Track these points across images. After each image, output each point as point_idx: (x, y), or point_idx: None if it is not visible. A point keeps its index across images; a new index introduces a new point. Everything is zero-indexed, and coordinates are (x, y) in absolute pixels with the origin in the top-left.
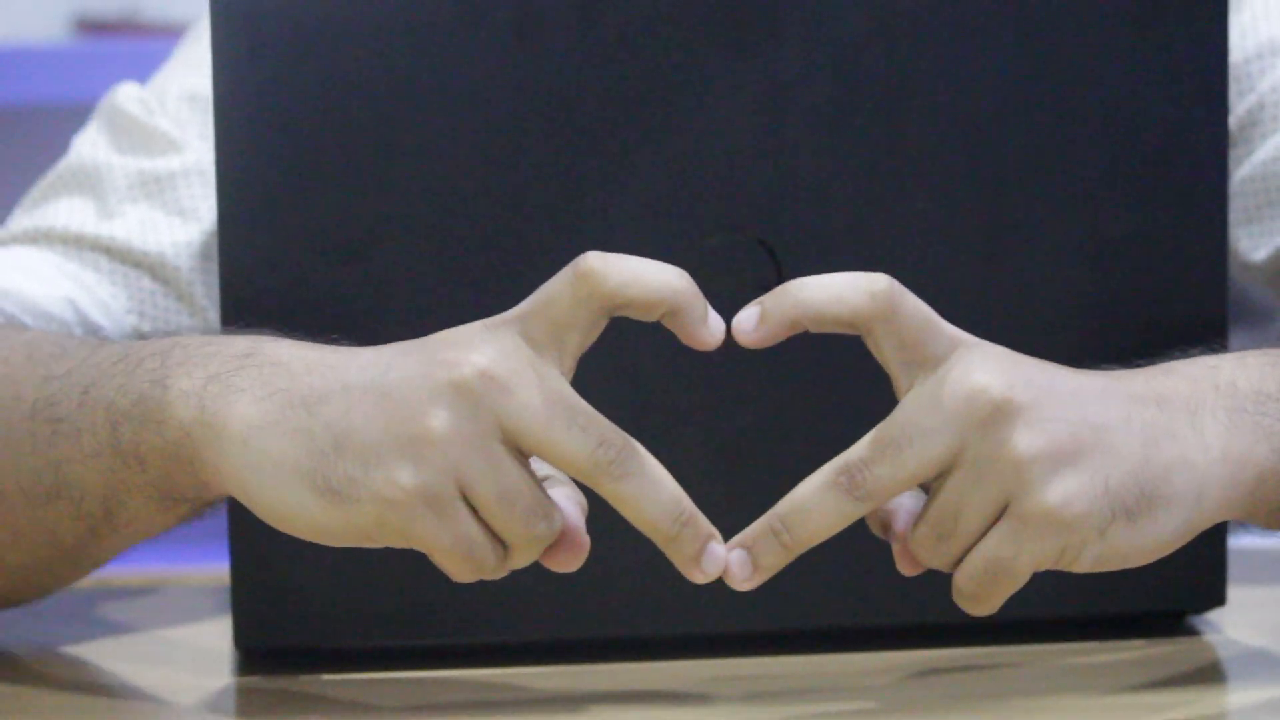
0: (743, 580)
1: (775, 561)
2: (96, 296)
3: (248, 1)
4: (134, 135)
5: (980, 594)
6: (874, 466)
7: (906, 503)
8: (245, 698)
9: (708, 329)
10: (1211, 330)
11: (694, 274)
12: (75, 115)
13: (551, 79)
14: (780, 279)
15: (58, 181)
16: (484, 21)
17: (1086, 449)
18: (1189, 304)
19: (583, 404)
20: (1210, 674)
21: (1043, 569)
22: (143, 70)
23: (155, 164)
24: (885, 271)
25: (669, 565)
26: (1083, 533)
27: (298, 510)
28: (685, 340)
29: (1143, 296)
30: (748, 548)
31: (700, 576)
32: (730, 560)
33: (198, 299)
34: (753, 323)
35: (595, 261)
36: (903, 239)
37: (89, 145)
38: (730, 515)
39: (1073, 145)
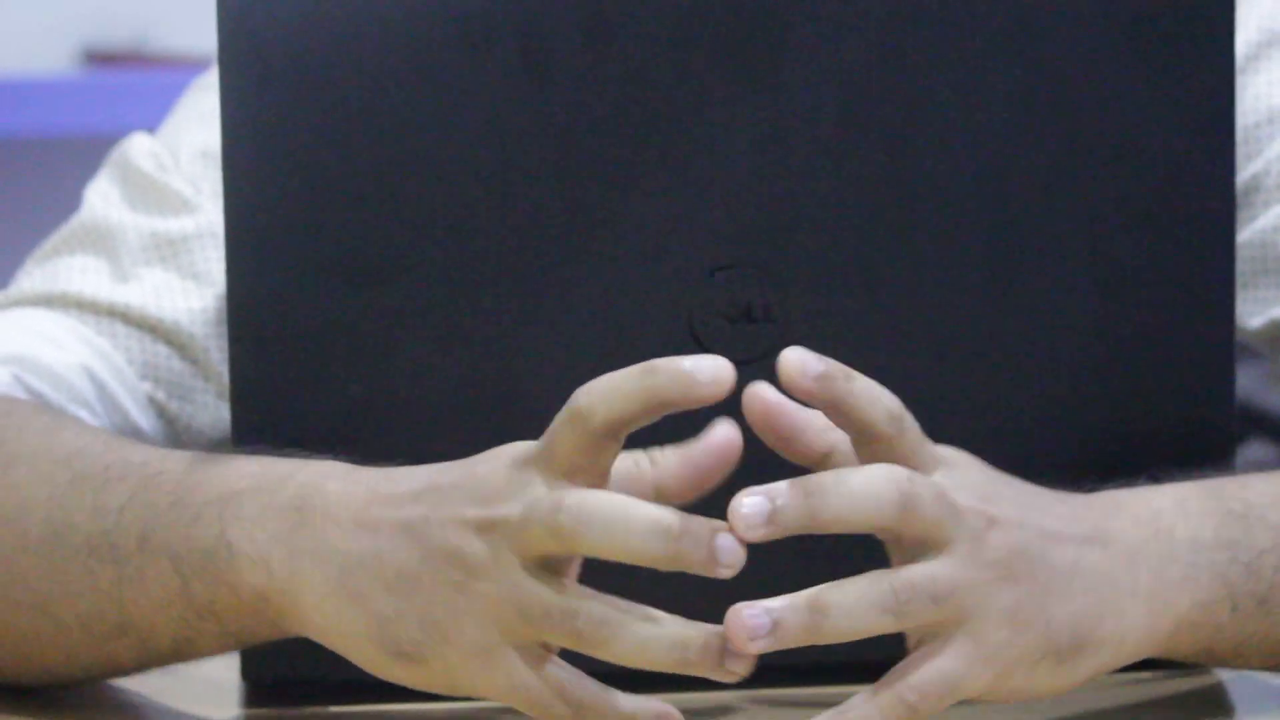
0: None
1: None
2: (112, 363)
3: (256, 32)
4: (147, 193)
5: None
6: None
7: None
8: None
9: (703, 386)
10: (1218, 362)
11: (699, 305)
12: (84, 147)
13: (558, 109)
14: (785, 311)
15: (71, 238)
16: (491, 53)
17: (1038, 592)
18: (1195, 336)
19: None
20: (1219, 707)
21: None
22: (151, 101)
23: (169, 225)
24: (892, 307)
25: (697, 594)
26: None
27: (378, 668)
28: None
29: (1149, 329)
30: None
31: (725, 571)
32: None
33: (213, 365)
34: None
35: (582, 400)
36: (908, 271)
37: (101, 200)
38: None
39: (1078, 177)
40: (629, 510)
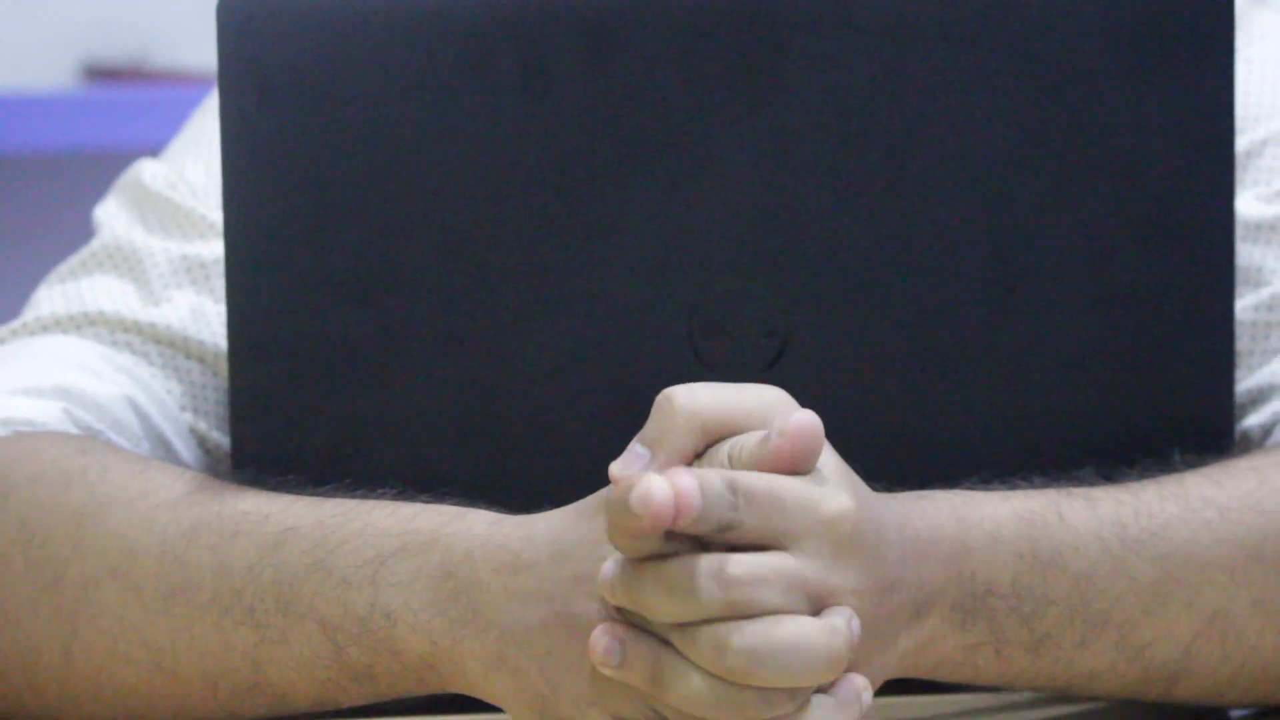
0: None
1: None
2: (152, 393)
3: (256, 48)
4: (166, 216)
5: None
6: None
7: None
8: None
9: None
10: (1218, 375)
11: (700, 319)
12: (85, 163)
13: (558, 124)
14: (787, 325)
15: (91, 260)
16: (492, 68)
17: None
18: (1196, 351)
19: None
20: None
21: None
22: (153, 117)
23: (197, 249)
24: (894, 321)
25: None
26: None
27: None
28: None
29: (1150, 341)
30: None
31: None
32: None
33: None
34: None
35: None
36: (909, 283)
37: (118, 223)
38: None
39: (1080, 194)
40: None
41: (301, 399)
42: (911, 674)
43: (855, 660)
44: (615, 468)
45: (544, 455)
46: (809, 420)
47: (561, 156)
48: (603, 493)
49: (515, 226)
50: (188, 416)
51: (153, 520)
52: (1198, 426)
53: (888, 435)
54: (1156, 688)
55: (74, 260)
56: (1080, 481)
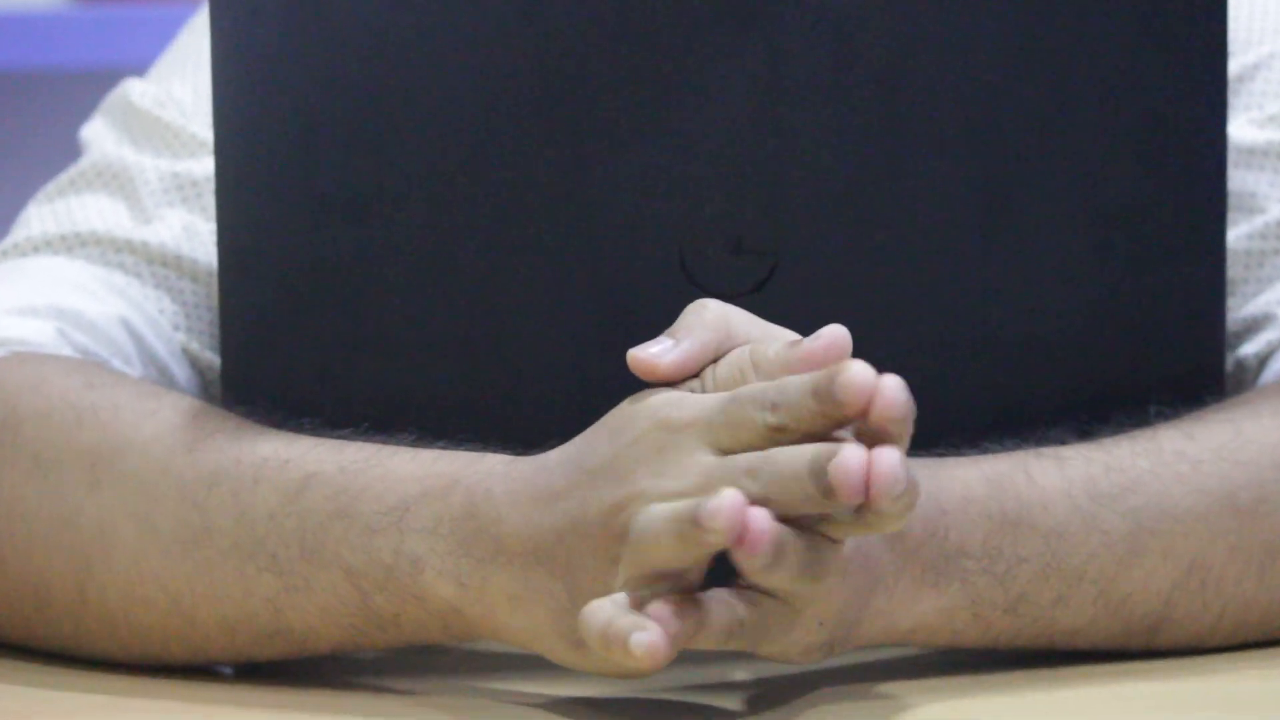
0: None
1: None
2: (146, 313)
3: None
4: (155, 135)
5: None
6: None
7: None
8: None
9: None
10: (1209, 295)
11: (690, 238)
12: (77, 82)
13: (550, 45)
14: (777, 244)
15: (80, 179)
16: None
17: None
18: (1188, 275)
19: None
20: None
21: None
22: (144, 37)
23: (188, 166)
24: (886, 243)
25: None
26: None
27: (557, 657)
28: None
29: (1143, 269)
30: None
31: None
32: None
33: None
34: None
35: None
36: (901, 205)
37: (107, 141)
38: None
39: (1071, 116)
40: None
41: (292, 316)
42: (889, 640)
43: (846, 619)
44: (633, 350)
45: (533, 374)
46: (840, 330)
47: (552, 76)
48: (615, 413)
49: (506, 145)
50: (181, 336)
51: (169, 464)
52: (1189, 346)
53: (878, 356)
54: (1139, 639)
55: (63, 178)
56: (1053, 441)
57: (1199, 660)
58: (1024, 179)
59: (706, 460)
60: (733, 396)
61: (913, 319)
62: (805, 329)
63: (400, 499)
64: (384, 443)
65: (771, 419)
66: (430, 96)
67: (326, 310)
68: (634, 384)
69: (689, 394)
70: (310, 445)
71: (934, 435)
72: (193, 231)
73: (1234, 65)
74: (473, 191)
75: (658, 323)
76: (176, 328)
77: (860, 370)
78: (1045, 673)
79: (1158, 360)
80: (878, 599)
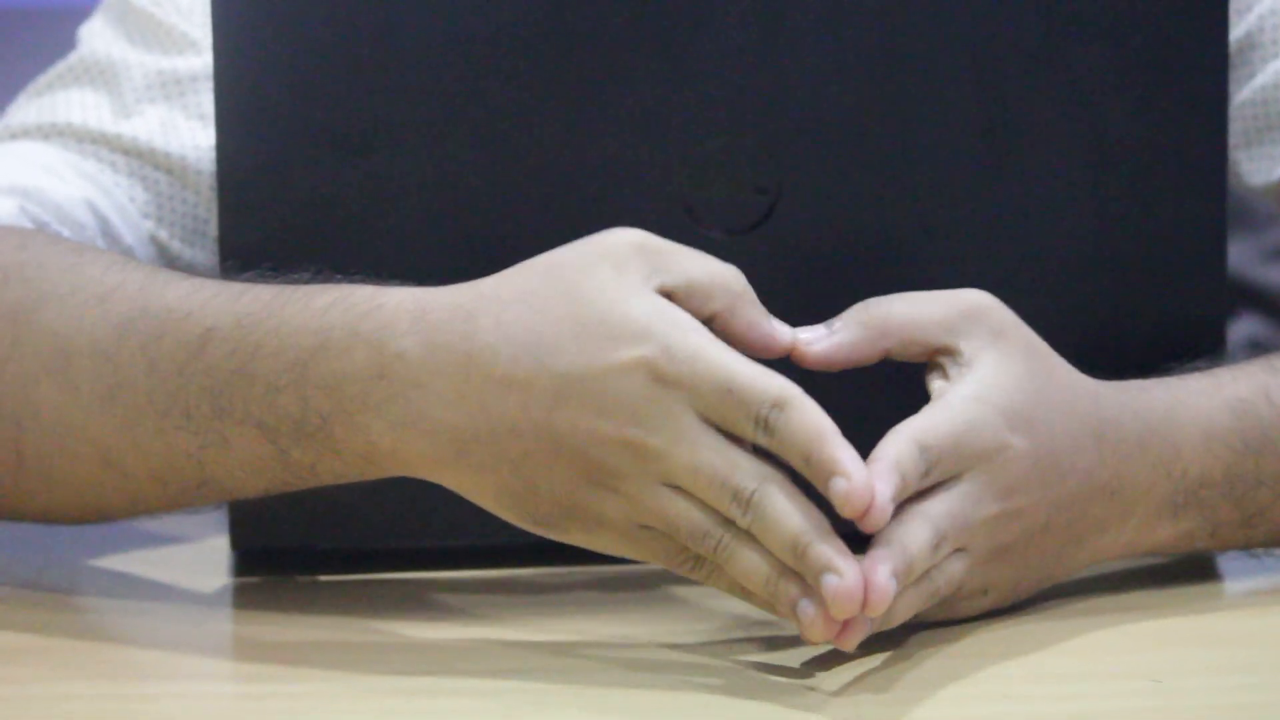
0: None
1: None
2: (114, 199)
3: None
4: (148, 31)
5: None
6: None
7: None
8: (242, 598)
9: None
10: (1210, 234)
11: (694, 177)
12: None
13: None
14: (779, 183)
15: (68, 73)
16: None
17: (1026, 547)
18: (1188, 208)
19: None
20: (1207, 573)
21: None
22: None
23: (174, 63)
24: (887, 179)
25: None
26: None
27: (517, 523)
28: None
29: (1143, 201)
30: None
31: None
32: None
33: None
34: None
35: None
36: (902, 144)
37: (99, 39)
38: None
39: (1074, 52)
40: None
41: (291, 251)
42: (1124, 556)
43: (1045, 560)
44: (790, 331)
45: None
46: (866, 495)
47: (553, 15)
48: (587, 304)
49: (507, 82)
50: (149, 224)
51: (82, 316)
52: (1190, 284)
53: (880, 289)
54: None
55: (51, 73)
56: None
57: (1199, 599)
58: (1024, 114)
59: (700, 437)
60: (730, 389)
61: (912, 254)
62: (806, 264)
63: (298, 355)
64: (281, 286)
65: (761, 439)
66: (431, 33)
67: (326, 244)
68: None
69: (689, 331)
70: (213, 293)
71: None
72: (171, 126)
73: None
74: (474, 129)
75: None
76: (146, 215)
77: (859, 492)
78: (1050, 609)
79: (1159, 297)
80: (1101, 539)
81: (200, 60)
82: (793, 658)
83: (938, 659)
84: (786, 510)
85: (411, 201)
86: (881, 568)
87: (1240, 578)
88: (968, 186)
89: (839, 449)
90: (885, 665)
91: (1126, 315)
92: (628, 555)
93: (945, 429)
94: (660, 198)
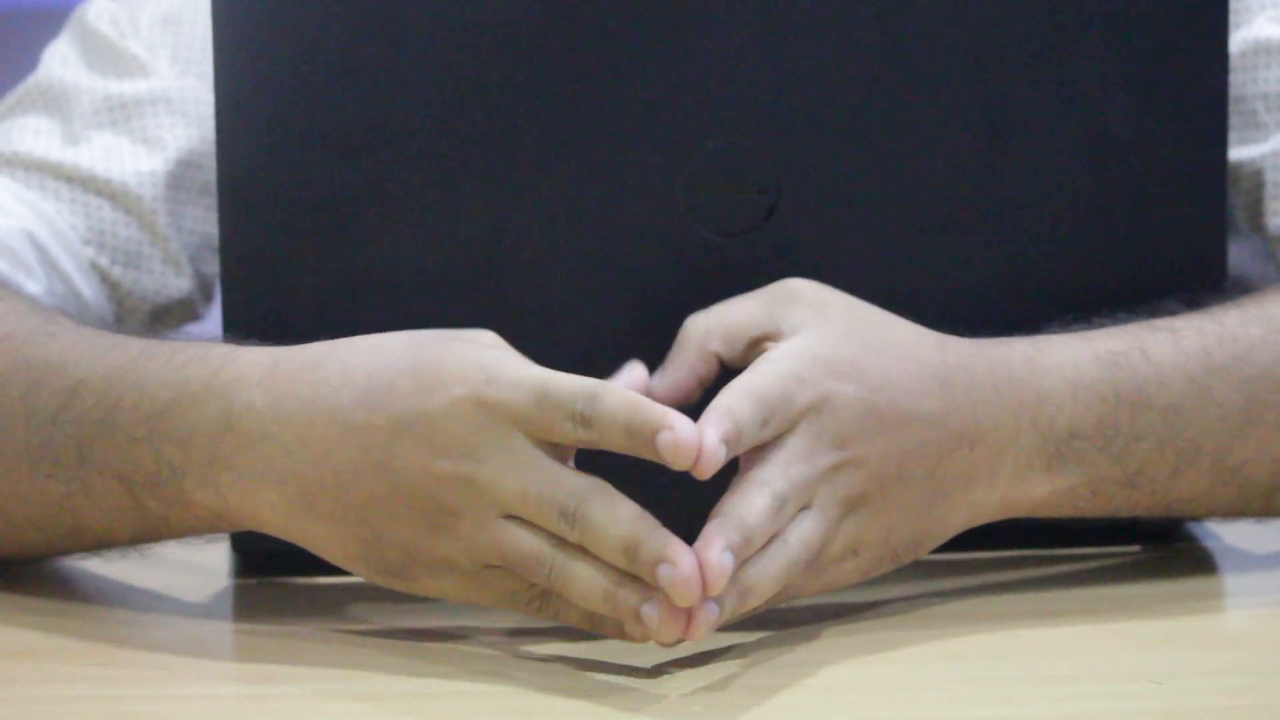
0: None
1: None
2: (55, 228)
3: None
4: (104, 55)
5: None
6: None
7: None
8: (241, 600)
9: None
10: (1209, 229)
11: (690, 177)
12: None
13: None
14: (779, 182)
15: (25, 98)
16: None
17: (882, 500)
18: (1188, 203)
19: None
20: (1207, 574)
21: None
22: None
23: (123, 87)
24: (886, 178)
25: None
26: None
27: (367, 578)
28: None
29: (1142, 195)
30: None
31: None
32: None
33: (160, 229)
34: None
35: (580, 405)
36: (900, 139)
37: (59, 62)
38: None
39: (1073, 45)
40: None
41: (292, 252)
42: (1006, 514)
43: (911, 515)
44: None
45: (533, 311)
46: (693, 442)
47: (552, 13)
48: (420, 356)
49: (507, 83)
50: (90, 251)
51: None
52: (1190, 275)
53: (880, 290)
54: (1255, 505)
55: (11, 98)
56: (1165, 313)
57: (1193, 601)
58: (1023, 108)
59: (528, 459)
60: (544, 394)
61: (913, 250)
62: (808, 262)
63: (154, 407)
64: (152, 341)
65: (582, 434)
66: (431, 34)
67: (326, 246)
68: (632, 323)
69: (507, 361)
70: (88, 348)
71: None
72: (114, 153)
73: None
74: (473, 128)
75: (657, 261)
76: (86, 243)
77: (686, 438)
78: (1044, 607)
79: (1159, 288)
80: (972, 493)
81: (147, 84)
82: (793, 659)
83: (938, 661)
84: (612, 516)
85: (411, 201)
86: (716, 541)
87: (1241, 578)
88: (968, 186)
89: (655, 409)
90: (885, 666)
91: (1129, 302)
92: (476, 601)
93: (770, 379)
94: (661, 199)
